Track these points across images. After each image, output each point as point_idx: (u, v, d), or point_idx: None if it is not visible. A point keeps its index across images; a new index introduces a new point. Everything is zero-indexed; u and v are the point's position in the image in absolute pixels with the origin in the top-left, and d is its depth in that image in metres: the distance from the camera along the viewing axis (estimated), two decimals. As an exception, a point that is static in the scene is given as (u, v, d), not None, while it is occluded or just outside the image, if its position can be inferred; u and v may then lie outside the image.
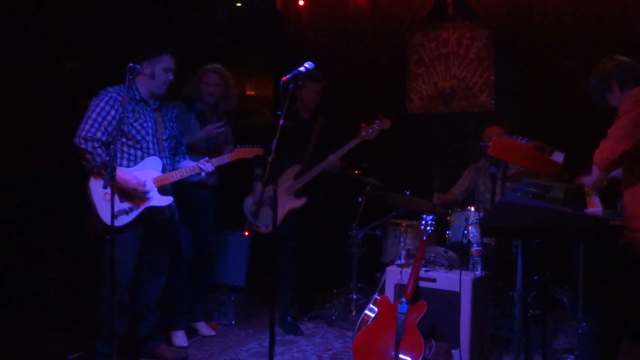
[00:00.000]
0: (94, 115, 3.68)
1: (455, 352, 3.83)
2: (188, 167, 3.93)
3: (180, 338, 4.42)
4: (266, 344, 3.27)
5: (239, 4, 6.59)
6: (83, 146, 3.63)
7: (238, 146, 4.16)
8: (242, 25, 6.68)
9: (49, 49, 6.23)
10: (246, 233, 5.03)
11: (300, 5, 6.24)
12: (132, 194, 3.68)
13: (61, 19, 6.06)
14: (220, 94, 4.56)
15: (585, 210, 2.80)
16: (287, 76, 3.27)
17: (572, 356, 3.96)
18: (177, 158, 4.08)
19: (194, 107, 4.51)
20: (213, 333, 4.67)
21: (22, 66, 6.02)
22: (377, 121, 4.66)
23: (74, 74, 6.42)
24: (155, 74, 3.83)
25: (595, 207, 2.88)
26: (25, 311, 5.10)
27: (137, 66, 3.63)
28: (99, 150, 3.65)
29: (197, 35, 6.78)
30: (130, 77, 3.58)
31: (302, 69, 3.33)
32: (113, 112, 3.70)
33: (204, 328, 4.67)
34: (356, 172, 5.07)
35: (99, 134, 3.67)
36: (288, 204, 4.70)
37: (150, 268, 3.97)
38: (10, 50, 5.83)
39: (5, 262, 5.43)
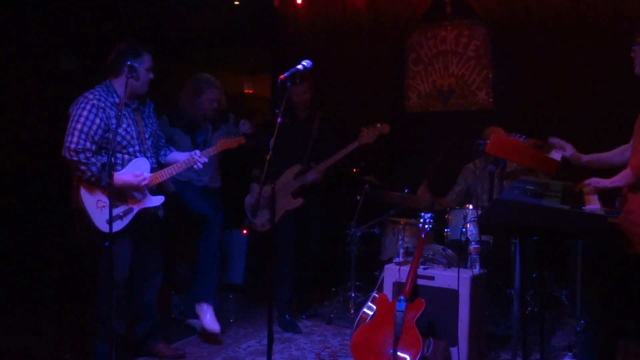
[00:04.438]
0: (79, 127, 3.57)
1: (453, 350, 3.83)
2: (181, 161, 3.89)
3: (209, 320, 4.27)
4: (265, 341, 3.28)
5: (236, 2, 6.59)
6: (75, 158, 3.55)
7: (221, 138, 4.18)
8: (240, 24, 6.68)
9: (46, 47, 6.22)
10: (244, 231, 5.04)
11: (298, 4, 6.23)
12: (133, 192, 3.65)
13: (59, 17, 6.04)
14: (219, 105, 4.61)
15: (583, 207, 2.80)
16: (285, 74, 3.27)
17: (570, 353, 3.95)
18: (161, 152, 4.02)
19: (178, 122, 4.51)
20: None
21: (19, 65, 6.01)
22: (377, 125, 4.68)
23: (71, 73, 6.41)
24: (140, 74, 3.73)
25: (593, 204, 2.87)
26: (22, 310, 5.09)
27: (136, 64, 3.63)
28: (93, 160, 3.57)
29: (195, 34, 6.78)
30: (129, 75, 3.59)
31: (299, 67, 3.33)
32: (98, 121, 3.61)
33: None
34: (354, 170, 5.07)
35: (88, 144, 3.57)
36: (286, 204, 4.70)
37: (146, 267, 3.96)
38: (6, 48, 5.82)
39: (3, 261, 5.42)
